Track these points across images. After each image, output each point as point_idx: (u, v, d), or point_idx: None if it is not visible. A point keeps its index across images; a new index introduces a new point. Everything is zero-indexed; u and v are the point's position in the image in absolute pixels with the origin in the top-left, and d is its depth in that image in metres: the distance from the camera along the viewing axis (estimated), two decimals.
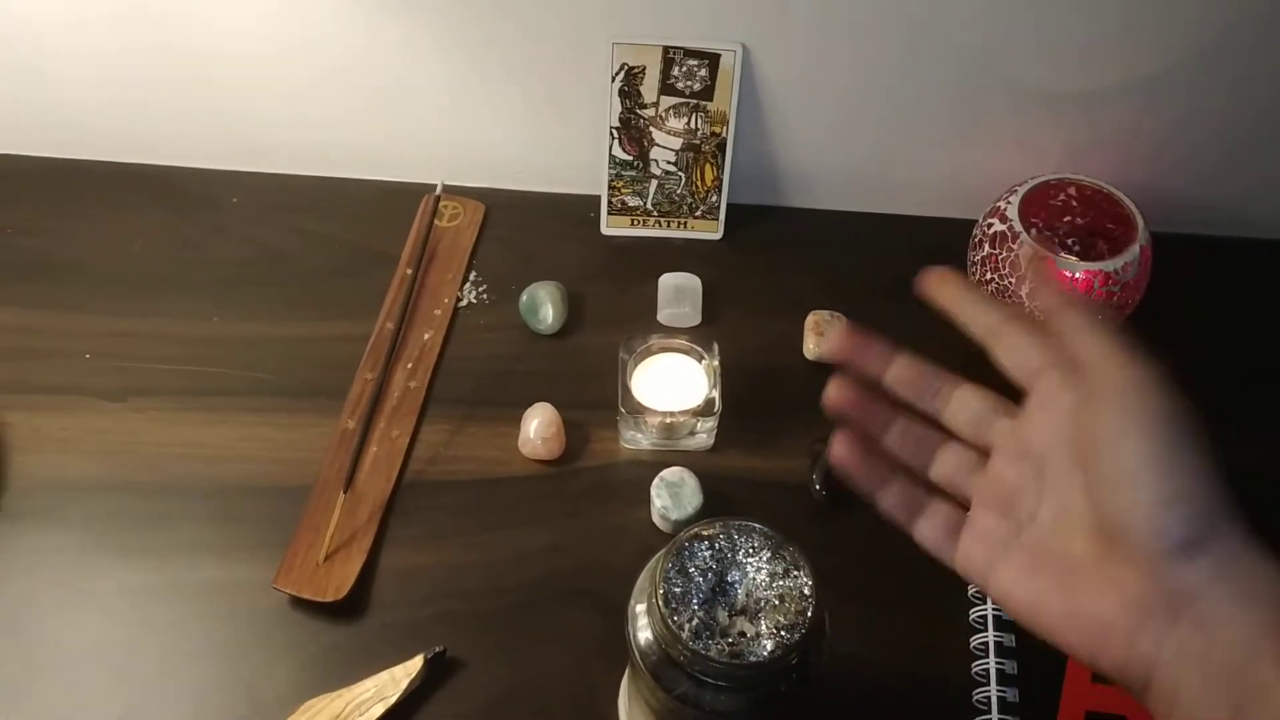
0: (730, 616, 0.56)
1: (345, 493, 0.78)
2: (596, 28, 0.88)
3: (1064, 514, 0.48)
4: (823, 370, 0.89)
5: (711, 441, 0.84)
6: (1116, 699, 0.70)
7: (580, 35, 0.89)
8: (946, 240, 0.95)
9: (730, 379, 0.84)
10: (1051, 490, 0.49)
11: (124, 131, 0.99)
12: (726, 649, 0.55)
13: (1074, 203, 0.91)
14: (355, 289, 0.93)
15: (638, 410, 0.81)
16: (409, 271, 0.91)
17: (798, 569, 0.57)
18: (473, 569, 0.78)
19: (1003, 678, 0.72)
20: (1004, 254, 0.86)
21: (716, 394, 0.82)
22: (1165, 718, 0.44)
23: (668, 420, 0.81)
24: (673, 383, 0.83)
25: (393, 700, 0.70)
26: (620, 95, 0.90)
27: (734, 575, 0.57)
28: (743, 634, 0.56)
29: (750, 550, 0.58)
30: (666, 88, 0.90)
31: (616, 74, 0.89)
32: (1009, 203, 0.88)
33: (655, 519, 0.80)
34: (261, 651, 0.74)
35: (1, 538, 0.78)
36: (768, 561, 0.58)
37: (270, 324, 0.90)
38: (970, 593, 0.76)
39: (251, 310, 0.91)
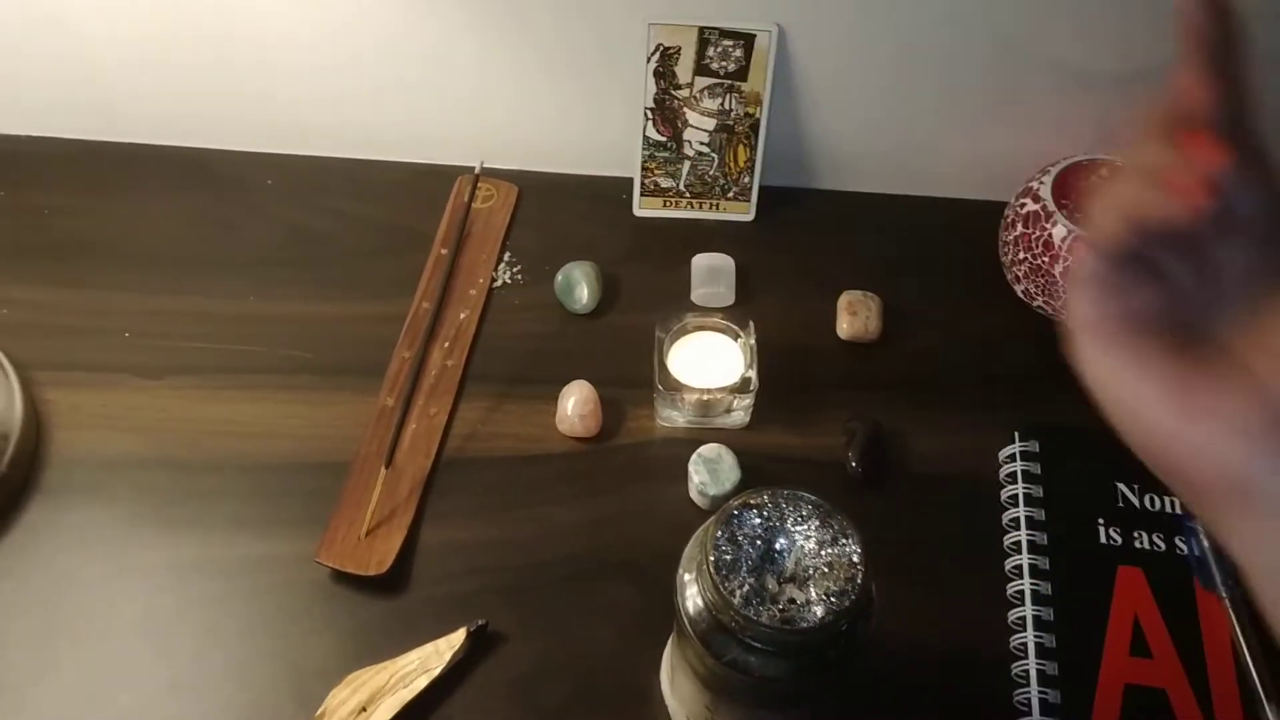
0: (780, 584, 0.57)
1: (386, 468, 0.79)
2: (632, 8, 0.88)
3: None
4: (856, 349, 0.90)
5: (747, 419, 0.85)
6: (1156, 672, 0.71)
7: (616, 16, 0.89)
8: (979, 221, 0.96)
9: (764, 358, 0.85)
10: None
11: (159, 114, 0.99)
12: (778, 615, 0.55)
13: None
14: (390, 269, 0.93)
15: (675, 388, 0.81)
16: (444, 251, 0.92)
17: (845, 537, 0.58)
18: (512, 544, 0.78)
19: (1041, 651, 0.72)
20: (1037, 233, 0.87)
21: (753, 372, 0.82)
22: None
23: (704, 398, 0.82)
24: (709, 361, 0.84)
25: (436, 672, 0.70)
26: (655, 76, 0.90)
27: (782, 543, 0.58)
28: (793, 600, 0.56)
29: (799, 519, 0.59)
30: (701, 68, 0.90)
31: (652, 54, 0.89)
32: (1041, 183, 0.88)
33: (693, 495, 0.80)
34: (304, 625, 0.75)
35: (44, 513, 0.79)
36: (816, 530, 0.58)
37: (306, 303, 0.91)
38: (1008, 567, 0.77)
39: (287, 290, 0.92)
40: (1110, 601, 0.74)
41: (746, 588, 0.56)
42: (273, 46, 0.93)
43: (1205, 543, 0.75)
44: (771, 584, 0.57)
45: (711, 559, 0.57)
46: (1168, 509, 0.78)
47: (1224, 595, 0.72)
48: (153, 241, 0.95)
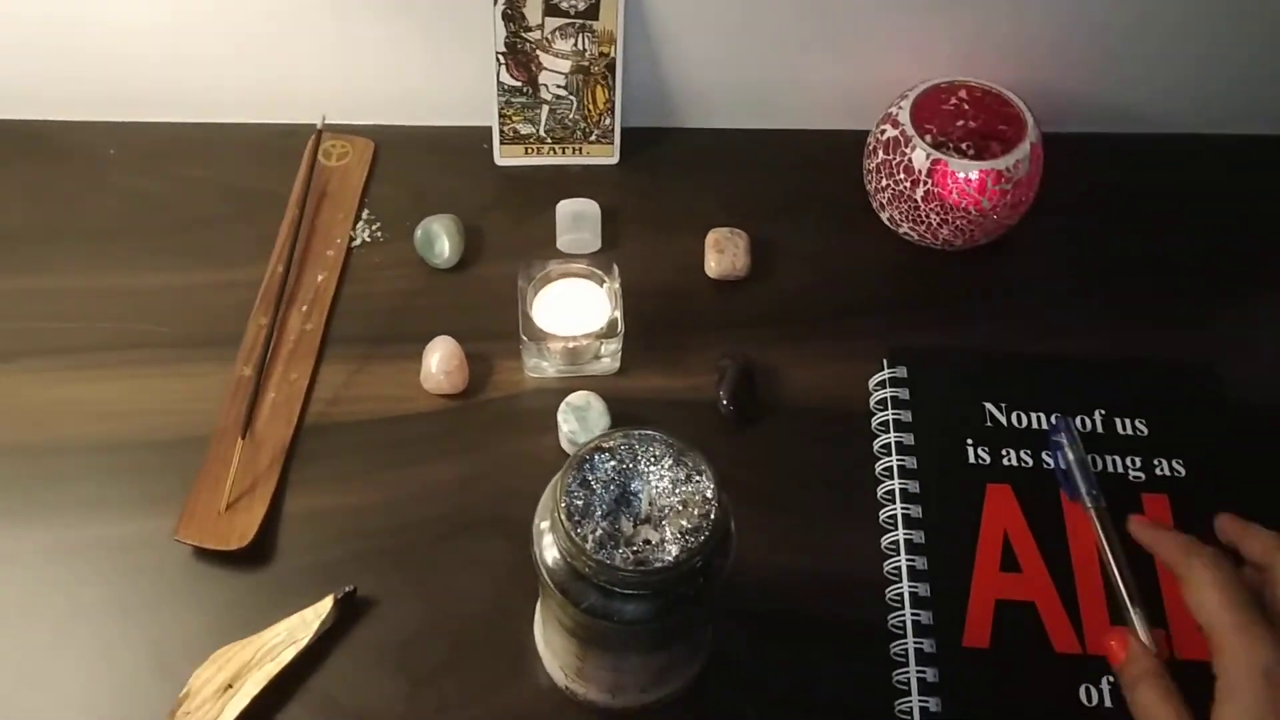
0: (635, 526, 0.56)
1: (243, 439, 0.76)
2: None
3: None
4: (725, 288, 0.89)
5: (617, 365, 0.84)
6: (1025, 586, 0.71)
7: None
8: (843, 151, 0.95)
9: (634, 301, 0.84)
10: None
11: None
12: (631, 557, 0.54)
13: (965, 105, 0.92)
14: (244, 235, 0.90)
15: (539, 337, 0.80)
16: (296, 212, 0.89)
17: (699, 474, 0.57)
18: (380, 507, 0.77)
19: (913, 574, 0.72)
20: (898, 159, 0.86)
21: (618, 315, 0.81)
22: None
23: (570, 345, 0.80)
24: (574, 308, 0.82)
25: (304, 642, 0.69)
26: (504, 19, 0.88)
27: (637, 485, 0.57)
28: (647, 541, 0.55)
29: (652, 459, 0.58)
30: (550, 8, 0.88)
31: None
32: (900, 108, 0.88)
33: (563, 444, 0.79)
34: (167, 605, 0.72)
35: None
36: (669, 469, 0.57)
37: (158, 275, 0.88)
38: (880, 493, 0.77)
39: (139, 262, 0.88)
40: (980, 520, 0.74)
41: (600, 532, 0.55)
42: (106, 8, 0.89)
43: (1070, 455, 0.75)
44: (626, 526, 0.56)
45: (563, 505, 0.56)
46: (1034, 425, 0.79)
47: (1089, 505, 0.73)
48: None
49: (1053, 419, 0.78)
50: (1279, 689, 0.55)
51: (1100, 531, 0.72)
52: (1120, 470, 0.77)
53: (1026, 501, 0.75)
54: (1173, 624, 0.69)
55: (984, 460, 0.77)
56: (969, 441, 0.78)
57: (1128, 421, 0.79)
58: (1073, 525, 0.74)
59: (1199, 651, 0.60)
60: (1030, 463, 0.77)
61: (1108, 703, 0.67)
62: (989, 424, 0.79)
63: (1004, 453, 0.77)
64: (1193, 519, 0.72)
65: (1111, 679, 0.67)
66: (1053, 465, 0.76)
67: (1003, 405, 0.80)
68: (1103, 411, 0.80)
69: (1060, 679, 0.68)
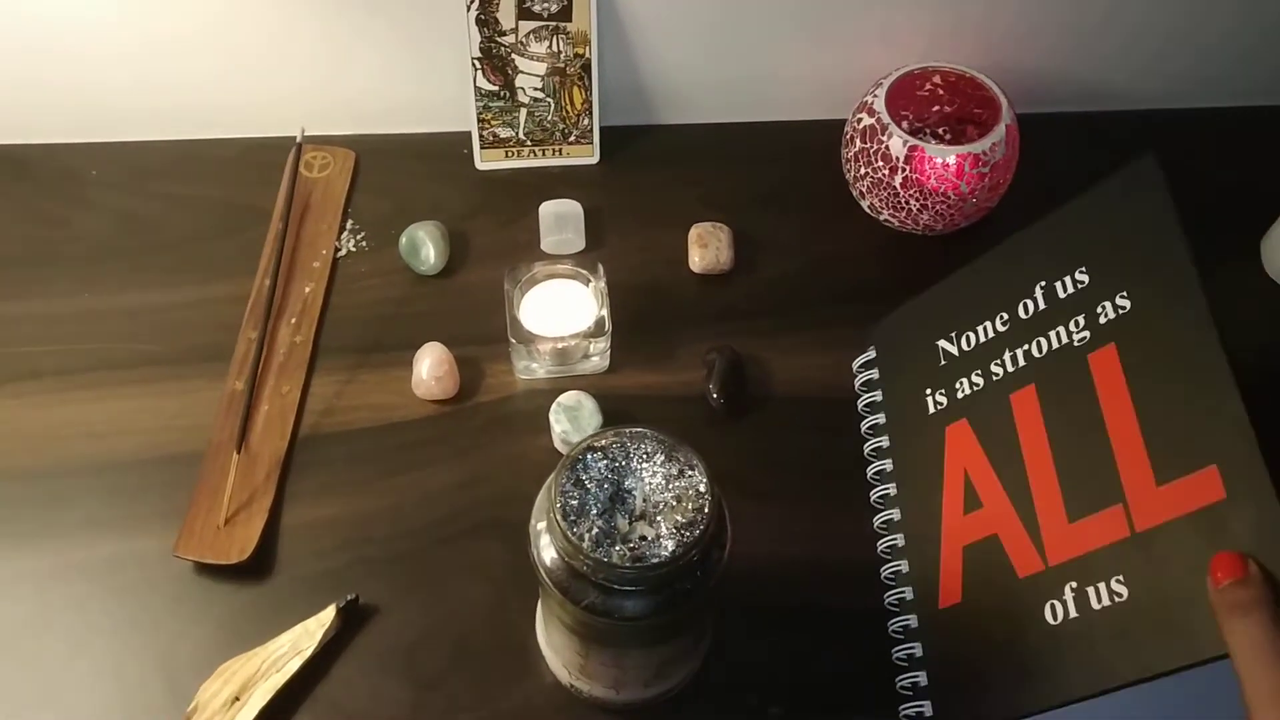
0: (630, 523, 0.57)
1: (238, 453, 0.77)
2: None
3: None
4: (710, 281, 0.90)
5: (607, 363, 0.84)
6: (987, 521, 0.70)
7: None
8: (822, 142, 0.96)
9: (620, 299, 0.84)
10: None
11: None
12: (628, 554, 0.55)
13: (940, 91, 0.92)
14: (230, 249, 0.91)
15: (527, 339, 0.81)
16: (280, 225, 0.89)
17: (692, 468, 0.58)
18: (378, 515, 0.77)
19: (898, 552, 0.73)
20: (875, 147, 0.87)
21: (605, 314, 0.82)
22: None
23: (559, 345, 0.81)
24: (561, 308, 0.83)
25: (309, 653, 0.69)
26: (478, 24, 0.89)
27: (630, 482, 0.58)
28: (643, 537, 0.56)
29: (644, 456, 0.58)
30: (524, 11, 0.88)
31: (471, 2, 0.87)
32: (875, 96, 0.88)
33: (557, 444, 0.80)
34: (171, 621, 0.73)
35: None
36: (662, 465, 0.58)
37: (146, 293, 0.88)
38: (870, 474, 0.78)
39: (126, 281, 0.89)
40: (943, 470, 0.74)
41: (596, 530, 0.56)
42: (81, 31, 0.89)
43: None
44: (622, 524, 0.57)
45: (558, 505, 0.56)
46: (982, 337, 0.76)
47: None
48: None
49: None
50: None
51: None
52: (1065, 341, 0.71)
53: (981, 428, 0.73)
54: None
55: (941, 404, 0.76)
56: (927, 391, 0.77)
57: (1068, 280, 0.73)
58: (1021, 417, 0.71)
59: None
60: (981, 383, 0.75)
61: (1072, 613, 0.64)
62: (943, 363, 0.78)
63: (958, 385, 0.76)
64: (1143, 361, 0.67)
65: (1074, 585, 0.65)
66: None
67: (953, 335, 0.78)
68: (1043, 283, 0.74)
69: (1026, 604, 0.66)
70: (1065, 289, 0.72)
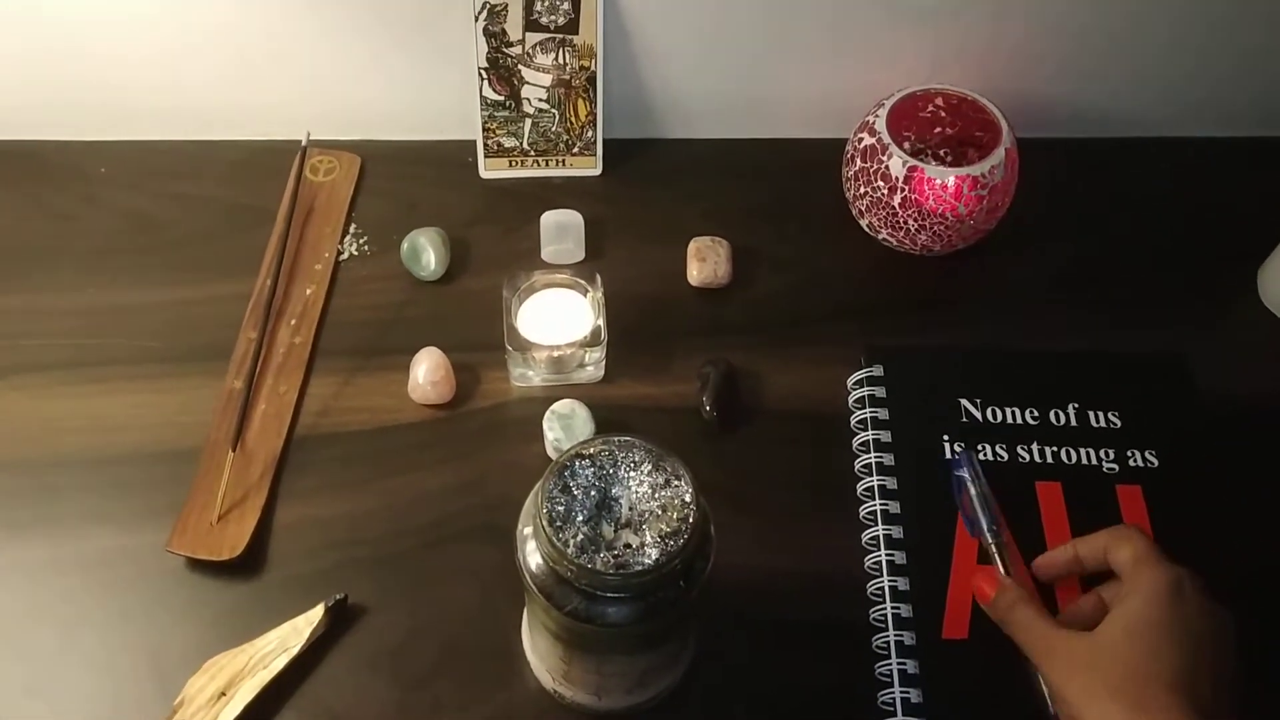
0: (615, 530, 0.57)
1: (234, 451, 0.78)
2: None
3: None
4: (707, 295, 0.91)
5: (601, 373, 0.85)
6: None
7: None
8: (822, 160, 0.97)
9: (617, 310, 0.85)
10: None
11: None
12: (612, 561, 0.56)
13: (942, 113, 0.93)
14: (234, 250, 0.92)
15: (524, 346, 0.81)
16: (284, 227, 0.90)
17: (678, 479, 0.59)
18: (370, 516, 0.78)
19: (893, 568, 0.74)
20: (875, 166, 0.88)
21: (602, 324, 0.82)
22: None
23: (555, 354, 0.82)
24: (558, 317, 0.84)
25: (296, 650, 0.70)
26: (485, 35, 0.90)
27: (617, 491, 0.58)
28: (628, 545, 0.57)
29: (632, 464, 0.59)
30: (531, 23, 0.89)
31: (479, 13, 0.88)
32: (877, 116, 0.89)
33: (549, 452, 0.81)
34: (162, 615, 0.73)
35: None
36: (649, 474, 0.59)
37: (150, 290, 0.89)
38: (860, 489, 0.78)
39: (130, 278, 0.90)
40: (957, 513, 0.76)
41: (581, 537, 0.57)
42: (96, 31, 0.91)
43: (972, 490, 0.75)
44: (607, 531, 0.57)
45: (545, 510, 0.57)
46: (1009, 419, 0.80)
47: (990, 541, 0.73)
48: None
49: (956, 448, 0.79)
50: (1183, 593, 0.63)
51: (1000, 564, 0.72)
52: (1094, 463, 0.78)
53: (1002, 494, 0.76)
54: None
55: (959, 455, 0.78)
56: (945, 437, 0.79)
57: (1101, 414, 0.81)
58: (1045, 504, 0.75)
59: None
60: (1005, 457, 0.78)
61: None
62: (964, 419, 0.80)
63: (980, 447, 0.79)
64: (1167, 508, 0.75)
65: None
66: (956, 499, 0.77)
67: (977, 401, 0.81)
68: (1076, 405, 0.81)
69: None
70: (1098, 421, 0.81)
